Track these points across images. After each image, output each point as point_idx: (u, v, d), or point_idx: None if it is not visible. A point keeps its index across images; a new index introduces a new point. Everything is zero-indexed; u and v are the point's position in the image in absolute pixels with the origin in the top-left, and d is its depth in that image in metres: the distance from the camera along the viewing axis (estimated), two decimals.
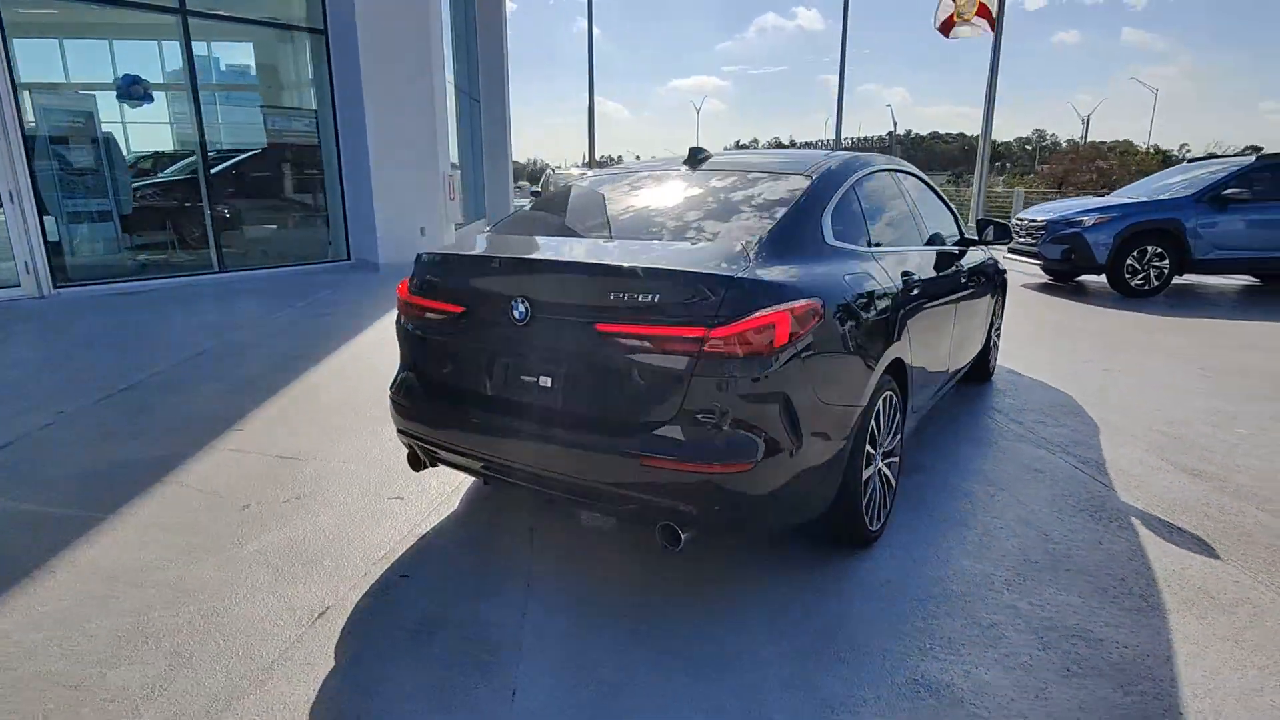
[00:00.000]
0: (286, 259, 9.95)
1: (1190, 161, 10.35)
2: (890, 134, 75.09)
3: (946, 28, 19.02)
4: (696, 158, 3.35)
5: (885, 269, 2.95)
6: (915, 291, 3.14)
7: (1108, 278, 8.85)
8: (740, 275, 2.24)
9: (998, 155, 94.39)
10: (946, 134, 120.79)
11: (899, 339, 2.88)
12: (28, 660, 2.19)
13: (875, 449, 2.79)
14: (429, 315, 2.75)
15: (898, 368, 2.92)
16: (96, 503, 3.20)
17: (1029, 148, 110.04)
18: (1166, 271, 8.62)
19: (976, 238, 4.35)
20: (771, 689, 2.08)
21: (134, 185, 9.18)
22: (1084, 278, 9.91)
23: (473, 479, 3.46)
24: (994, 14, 18.34)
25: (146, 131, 9.73)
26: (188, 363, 5.49)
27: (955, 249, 4.01)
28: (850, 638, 2.31)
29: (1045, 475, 3.55)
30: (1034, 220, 9.42)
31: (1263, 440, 4.02)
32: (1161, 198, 8.87)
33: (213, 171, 9.24)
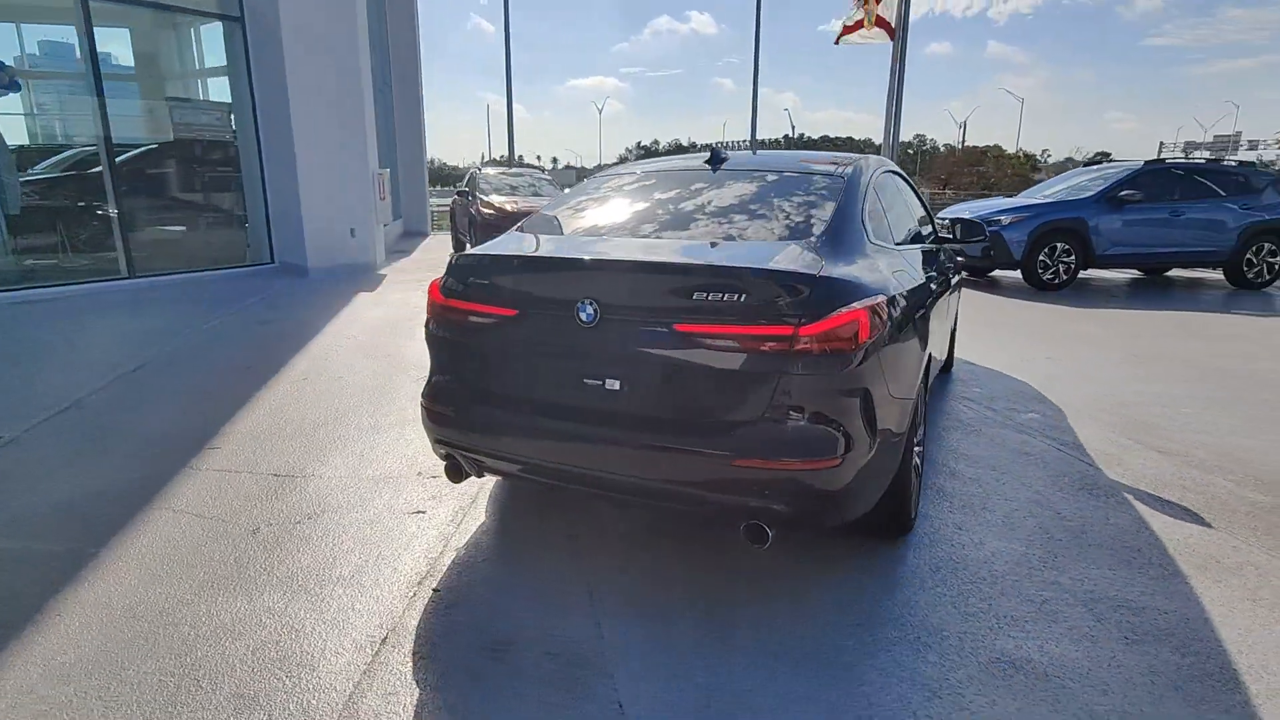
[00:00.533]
0: (202, 263, 9.23)
1: (1086, 165, 11.29)
2: (787, 137, 77.71)
3: (847, 34, 19.88)
4: (718, 158, 3.36)
5: (912, 265, 3.07)
6: (933, 286, 3.28)
7: (1022, 273, 9.53)
8: (824, 274, 2.27)
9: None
10: (836, 137, 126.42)
11: (928, 332, 3.01)
12: None
13: (914, 438, 2.90)
14: (474, 319, 2.64)
15: (927, 359, 3.05)
16: (84, 535, 2.87)
17: (910, 152, 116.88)
18: (1073, 266, 9.38)
19: (951, 235, 4.58)
20: (871, 679, 2.13)
21: (24, 181, 8.27)
22: (997, 273, 10.64)
23: (490, 488, 3.35)
24: (893, 24, 19.38)
25: (41, 124, 8.81)
26: (129, 377, 5.02)
27: (940, 245, 4.22)
28: (924, 623, 2.39)
29: (1035, 458, 3.79)
30: (962, 219, 10.01)
31: (1208, 419, 4.45)
32: (1067, 199, 9.63)
33: (117, 162, 8.44)
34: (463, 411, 2.67)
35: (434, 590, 2.55)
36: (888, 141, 19.95)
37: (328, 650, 2.23)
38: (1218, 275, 10.48)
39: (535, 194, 12.57)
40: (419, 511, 3.15)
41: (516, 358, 2.58)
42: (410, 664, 2.18)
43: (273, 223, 9.54)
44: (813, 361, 2.18)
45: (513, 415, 2.57)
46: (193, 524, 3.00)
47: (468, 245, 11.58)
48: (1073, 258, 9.35)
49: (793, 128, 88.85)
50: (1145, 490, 3.42)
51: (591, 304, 2.37)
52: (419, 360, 5.58)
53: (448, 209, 14.85)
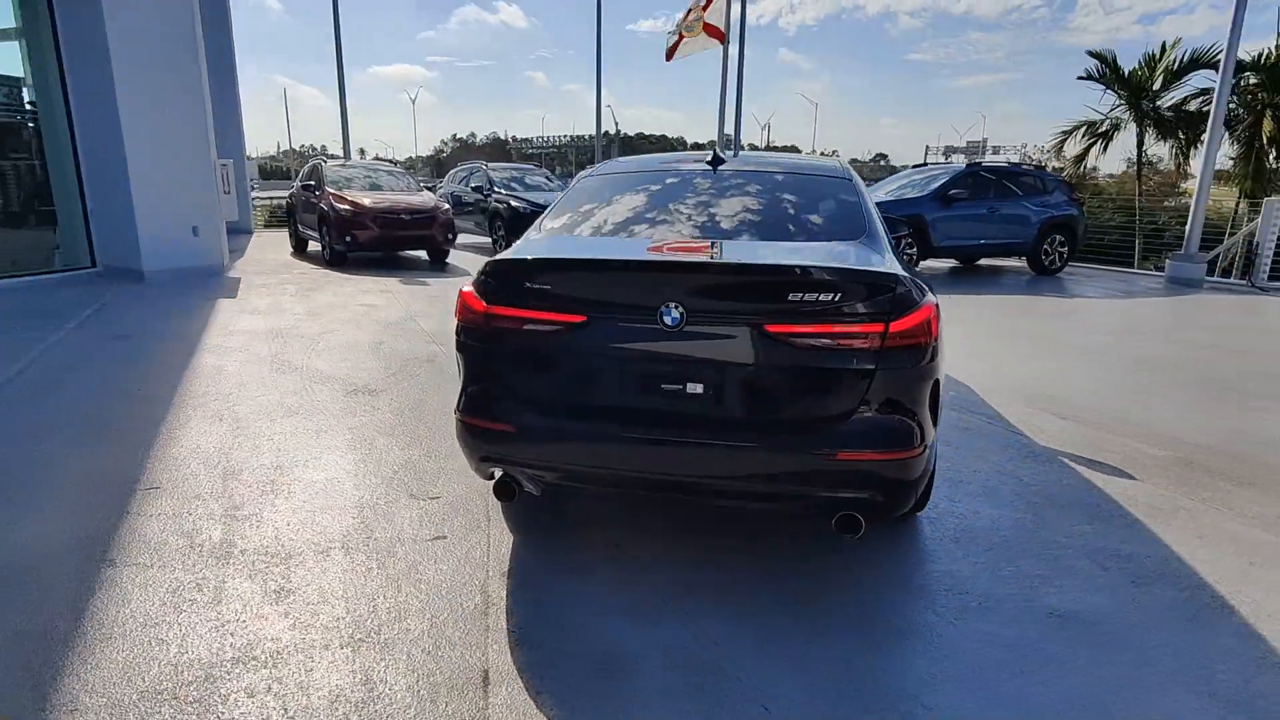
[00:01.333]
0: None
1: (908, 171, 12.60)
2: (607, 134, 78.89)
3: (671, 53, 20.42)
4: (720, 159, 3.40)
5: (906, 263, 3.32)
6: None
7: None
8: (903, 273, 2.41)
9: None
10: (651, 135, 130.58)
11: None
12: None
13: None
14: (531, 328, 2.49)
15: None
16: (61, 609, 2.35)
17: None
18: (915, 257, 10.49)
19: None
20: (965, 645, 2.31)
21: None
22: None
23: (495, 502, 3.17)
24: (723, 30, 20.32)
25: None
26: None
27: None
28: (975, 590, 2.63)
29: (974, 432, 4.25)
30: None
31: (1097, 389, 5.22)
32: (907, 196, 10.74)
33: None
34: (524, 425, 2.51)
35: (509, 631, 2.39)
36: (721, 143, 20.95)
37: (433, 700, 2.03)
38: (1020, 263, 12.19)
39: (399, 190, 11.83)
40: (439, 537, 2.91)
41: (585, 366, 2.48)
42: (528, 699, 2.04)
43: (92, 220, 8.17)
44: (899, 356, 2.32)
45: (586, 425, 2.47)
46: (184, 579, 2.56)
47: (325, 247, 10.68)
48: (914, 249, 10.46)
49: (617, 124, 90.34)
50: (1075, 454, 3.96)
51: (677, 308, 2.33)
52: (332, 372, 5.11)
53: (271, 204, 13.60)
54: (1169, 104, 14.04)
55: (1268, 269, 10.13)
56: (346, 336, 6.24)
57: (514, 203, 12.36)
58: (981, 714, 2.02)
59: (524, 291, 2.52)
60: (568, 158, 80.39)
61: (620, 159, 3.92)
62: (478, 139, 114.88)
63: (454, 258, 11.58)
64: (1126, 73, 14.29)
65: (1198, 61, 13.61)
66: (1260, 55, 12.95)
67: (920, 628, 2.40)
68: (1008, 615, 2.48)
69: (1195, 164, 14.86)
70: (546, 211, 3.24)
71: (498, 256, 2.66)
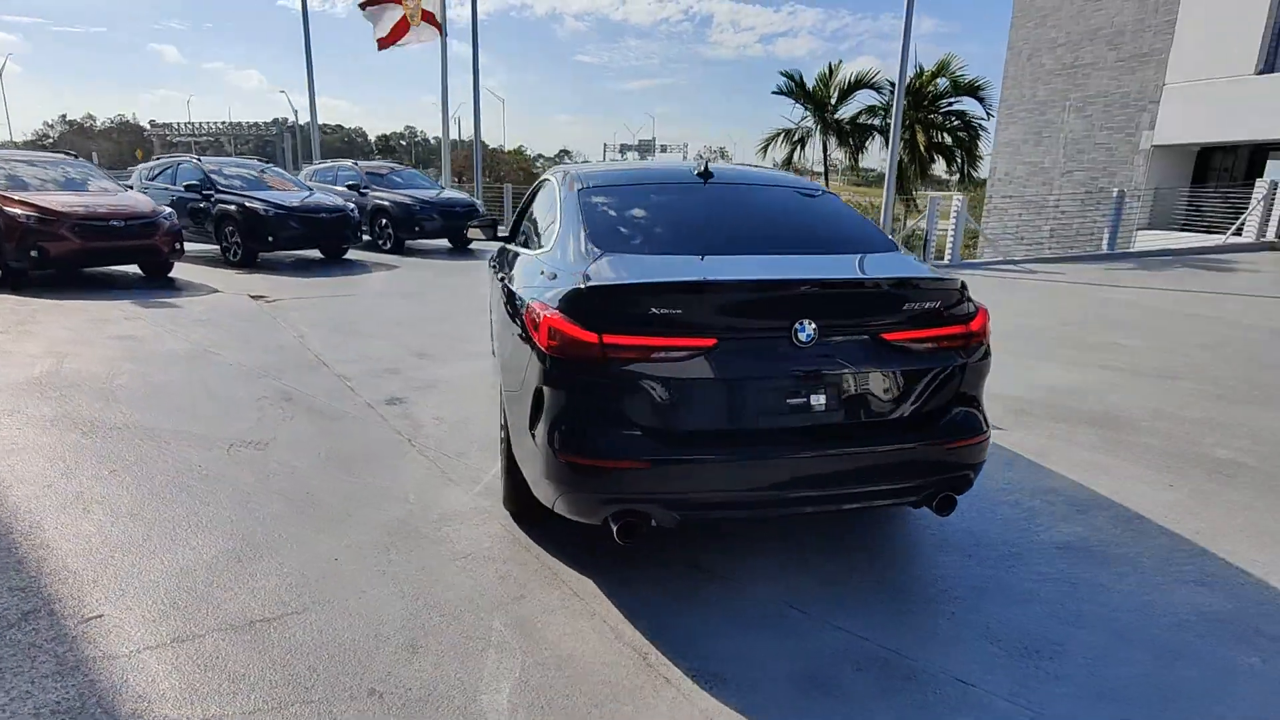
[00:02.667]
0: None
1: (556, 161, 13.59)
2: (283, 122, 70.69)
3: (393, 38, 19.23)
4: (710, 173, 3.43)
5: None
6: None
7: None
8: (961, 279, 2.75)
9: (389, 149, 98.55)
10: (325, 125, 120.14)
11: None
12: None
13: None
14: (658, 356, 2.35)
15: None
16: None
17: (404, 143, 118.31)
18: None
19: None
20: (1038, 609, 2.77)
21: None
22: None
23: (518, 536, 2.92)
24: (438, 18, 19.56)
25: None
26: None
27: None
28: (995, 540, 3.12)
29: None
30: None
31: None
32: None
33: None
34: (658, 458, 2.36)
35: (689, 675, 2.26)
36: (447, 142, 20.32)
37: None
38: None
39: (98, 190, 9.47)
40: (520, 597, 2.60)
41: (717, 389, 2.41)
42: None
43: None
44: (976, 351, 2.66)
45: (723, 449, 2.41)
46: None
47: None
48: None
49: (295, 112, 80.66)
50: None
51: (810, 324, 2.40)
52: (178, 426, 4.08)
53: None
54: (846, 116, 17.23)
55: (933, 252, 12.94)
56: (143, 378, 4.96)
57: (250, 204, 10.69)
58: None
59: (645, 318, 2.36)
60: (224, 147, 69.95)
61: (596, 168, 3.73)
62: (98, 122, 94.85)
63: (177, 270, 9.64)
64: (811, 89, 17.11)
65: (861, 82, 16.87)
66: (910, 81, 16.44)
67: (998, 593, 2.81)
68: (1026, 556, 3.01)
69: (870, 164, 18.19)
70: (567, 230, 2.99)
71: (601, 283, 2.44)
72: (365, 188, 13.28)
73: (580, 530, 2.86)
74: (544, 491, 2.59)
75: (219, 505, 3.20)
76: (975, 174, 16.26)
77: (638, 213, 3.13)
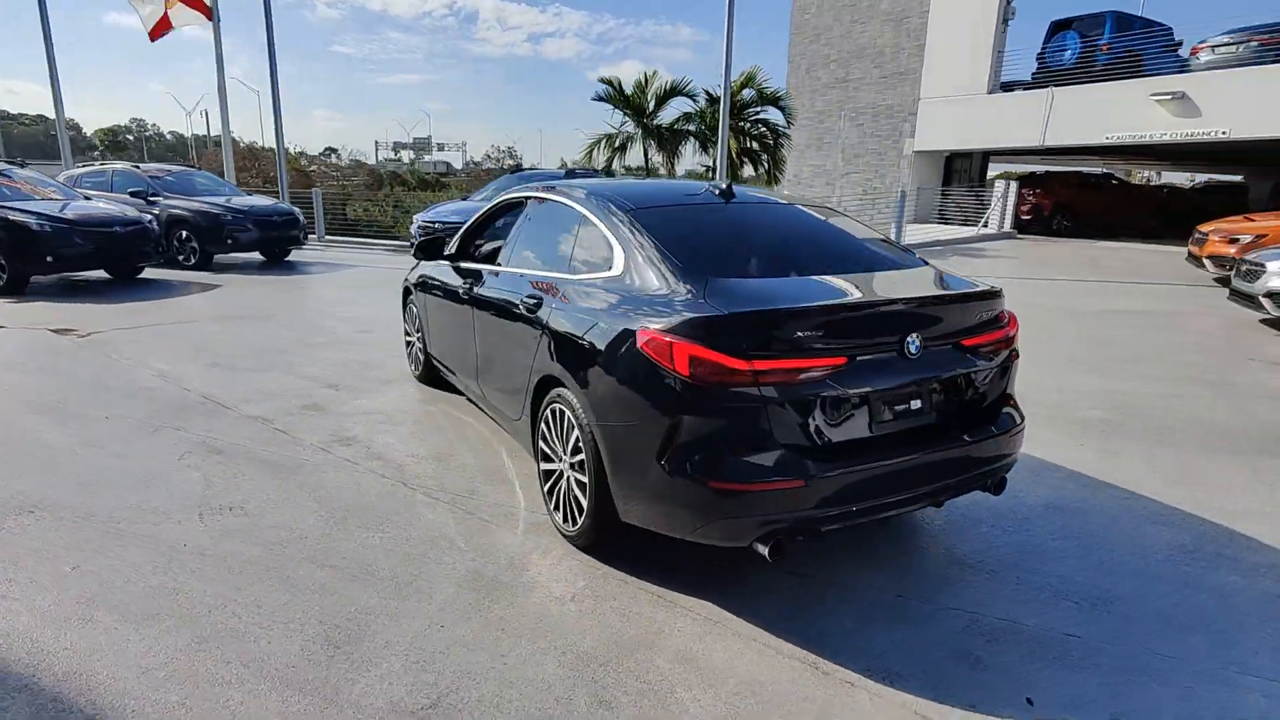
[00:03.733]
0: None
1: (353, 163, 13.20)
2: None
3: (160, 29, 17.04)
4: (732, 192, 3.52)
5: None
6: None
7: None
8: None
9: (118, 146, 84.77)
10: (23, 115, 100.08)
11: None
12: None
13: None
14: (800, 376, 2.45)
15: None
16: None
17: (131, 136, 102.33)
18: None
19: None
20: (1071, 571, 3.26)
21: None
22: None
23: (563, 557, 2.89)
24: (207, 3, 17.44)
25: None
26: None
27: None
28: (1028, 521, 3.61)
29: None
30: (447, 221, 10.60)
31: None
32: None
33: None
34: (811, 475, 2.45)
35: (866, 673, 2.39)
36: (224, 129, 18.16)
37: None
38: None
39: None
40: (662, 631, 2.55)
41: (847, 404, 2.56)
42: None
43: None
44: (1013, 350, 3.07)
45: (860, 460, 2.55)
46: None
47: None
48: None
49: None
50: None
51: (918, 337, 2.63)
52: (57, 502, 3.39)
53: None
54: (665, 122, 17.97)
55: None
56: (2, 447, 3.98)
57: (16, 217, 8.81)
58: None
59: (788, 341, 2.45)
60: None
61: (614, 187, 3.60)
62: None
63: None
64: (629, 96, 17.62)
65: (675, 90, 17.73)
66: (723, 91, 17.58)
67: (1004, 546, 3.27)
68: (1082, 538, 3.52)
69: (684, 168, 19.18)
70: (635, 254, 2.92)
71: (743, 310, 2.47)
72: (154, 195, 11.49)
73: (655, 554, 2.90)
74: (680, 521, 2.57)
75: (253, 588, 2.72)
76: (780, 177, 17.87)
77: (697, 234, 3.15)
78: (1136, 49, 16.76)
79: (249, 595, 2.68)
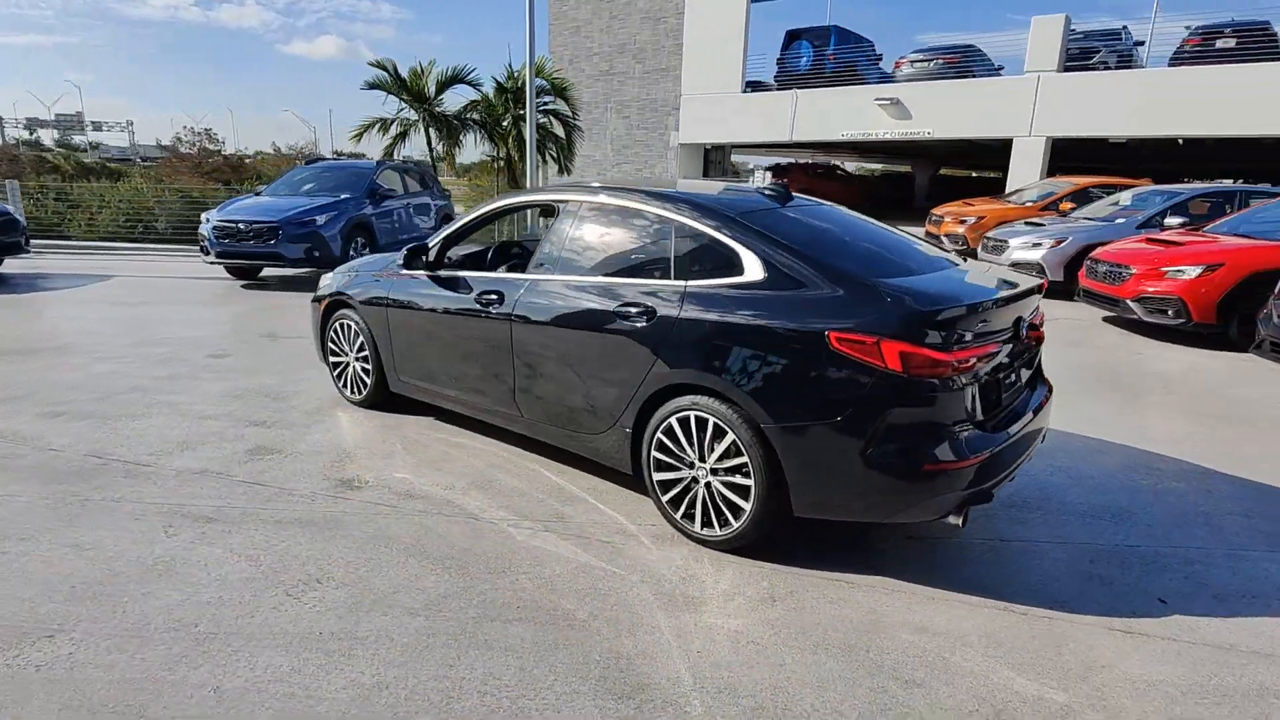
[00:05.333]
0: None
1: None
2: None
3: None
4: (790, 195, 3.68)
5: None
6: None
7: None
8: None
9: None
10: None
11: None
12: None
13: None
14: (977, 364, 2.80)
15: None
16: None
17: None
18: (371, 254, 10.29)
19: None
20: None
21: None
22: (273, 270, 10.34)
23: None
24: None
25: None
26: None
27: None
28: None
29: None
30: (257, 221, 9.17)
31: None
32: (347, 196, 10.22)
33: None
34: (993, 449, 2.81)
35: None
36: None
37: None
38: None
39: None
40: (879, 618, 2.74)
41: (1003, 385, 2.95)
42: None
43: None
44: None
45: (1011, 431, 2.97)
46: None
47: None
48: (367, 250, 10.25)
49: None
50: None
51: (1025, 322, 3.12)
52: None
53: None
54: (451, 110, 16.97)
55: None
56: None
57: None
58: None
59: (970, 334, 2.77)
60: None
61: (693, 193, 3.50)
62: None
63: None
64: (408, 82, 16.35)
65: (457, 77, 16.84)
66: (507, 79, 17.09)
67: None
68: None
69: (469, 158, 18.36)
70: (779, 258, 2.99)
71: (939, 307, 2.71)
72: None
73: (784, 545, 3.10)
74: (883, 506, 2.78)
75: (470, 663, 2.35)
76: (571, 168, 18.02)
77: (810, 237, 3.27)
78: (851, 60, 19.79)
79: (476, 671, 2.32)
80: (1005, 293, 3.06)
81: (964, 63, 18.20)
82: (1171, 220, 9.38)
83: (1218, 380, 6.06)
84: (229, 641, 2.43)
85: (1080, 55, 16.42)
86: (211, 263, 9.63)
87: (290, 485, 3.70)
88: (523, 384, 3.78)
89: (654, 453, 3.25)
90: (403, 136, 16.67)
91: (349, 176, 10.86)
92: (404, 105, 16.69)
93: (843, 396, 2.73)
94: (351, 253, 9.81)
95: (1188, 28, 15.69)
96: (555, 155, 17.38)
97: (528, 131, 13.14)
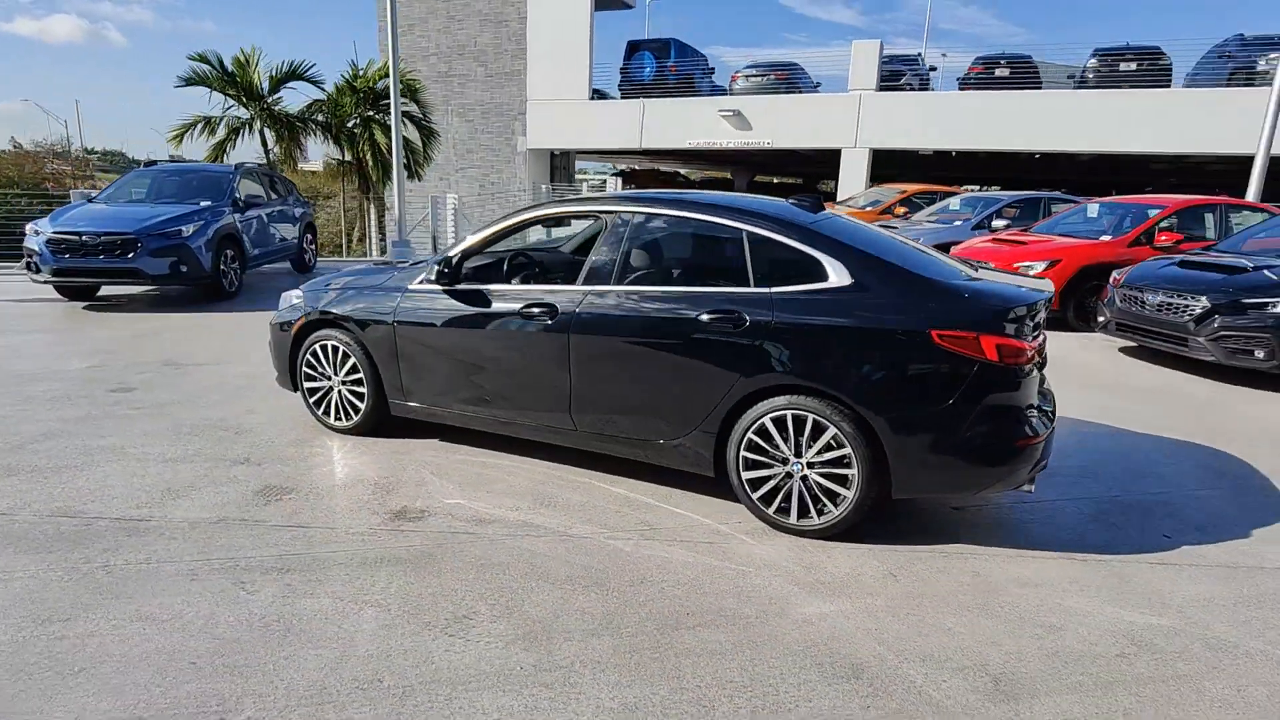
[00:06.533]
0: None
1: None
2: None
3: None
4: (820, 204, 3.95)
5: None
6: None
7: (211, 285, 8.75)
8: None
9: None
10: None
11: None
12: None
13: None
14: (1038, 352, 3.28)
15: None
16: None
17: None
18: (240, 271, 9.28)
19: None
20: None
21: None
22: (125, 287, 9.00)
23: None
24: None
25: None
26: None
27: None
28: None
29: None
30: (109, 233, 7.91)
31: None
32: (208, 205, 9.07)
33: None
34: (1050, 424, 3.29)
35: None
36: None
37: None
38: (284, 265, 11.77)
39: None
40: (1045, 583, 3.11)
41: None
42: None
43: None
44: None
45: (1050, 408, 3.48)
46: None
47: None
48: (236, 263, 9.23)
49: None
50: None
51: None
52: None
53: None
54: (293, 110, 15.37)
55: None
56: None
57: None
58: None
59: (1033, 327, 3.23)
60: None
61: (745, 199, 3.60)
62: None
63: None
64: (236, 76, 14.57)
65: (295, 73, 15.31)
66: (358, 79, 15.83)
67: None
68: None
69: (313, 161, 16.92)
70: (863, 266, 3.26)
71: (1017, 305, 3.12)
72: None
73: (886, 525, 3.46)
74: (979, 479, 3.18)
75: (702, 688, 2.36)
76: (422, 175, 17.15)
77: (872, 244, 3.54)
78: (690, 72, 20.85)
79: (705, 679, 2.35)
80: (1046, 294, 3.58)
81: (792, 78, 19.88)
82: (998, 223, 11.00)
83: (1075, 357, 7.29)
84: (434, 691, 2.26)
85: (890, 77, 18.61)
86: (44, 281, 8.17)
87: (337, 524, 3.40)
88: (581, 396, 3.75)
89: (743, 453, 3.40)
90: (234, 136, 15.01)
91: (203, 182, 9.68)
92: (231, 102, 15.03)
93: (946, 386, 3.07)
94: (222, 267, 8.80)
95: (978, 59, 18.34)
96: (409, 160, 16.53)
97: (393, 134, 12.47)
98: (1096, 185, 21.09)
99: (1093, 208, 9.83)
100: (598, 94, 20.93)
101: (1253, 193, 11.39)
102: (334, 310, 4.41)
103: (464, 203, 18.48)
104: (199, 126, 14.94)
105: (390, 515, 3.49)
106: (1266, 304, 6.05)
